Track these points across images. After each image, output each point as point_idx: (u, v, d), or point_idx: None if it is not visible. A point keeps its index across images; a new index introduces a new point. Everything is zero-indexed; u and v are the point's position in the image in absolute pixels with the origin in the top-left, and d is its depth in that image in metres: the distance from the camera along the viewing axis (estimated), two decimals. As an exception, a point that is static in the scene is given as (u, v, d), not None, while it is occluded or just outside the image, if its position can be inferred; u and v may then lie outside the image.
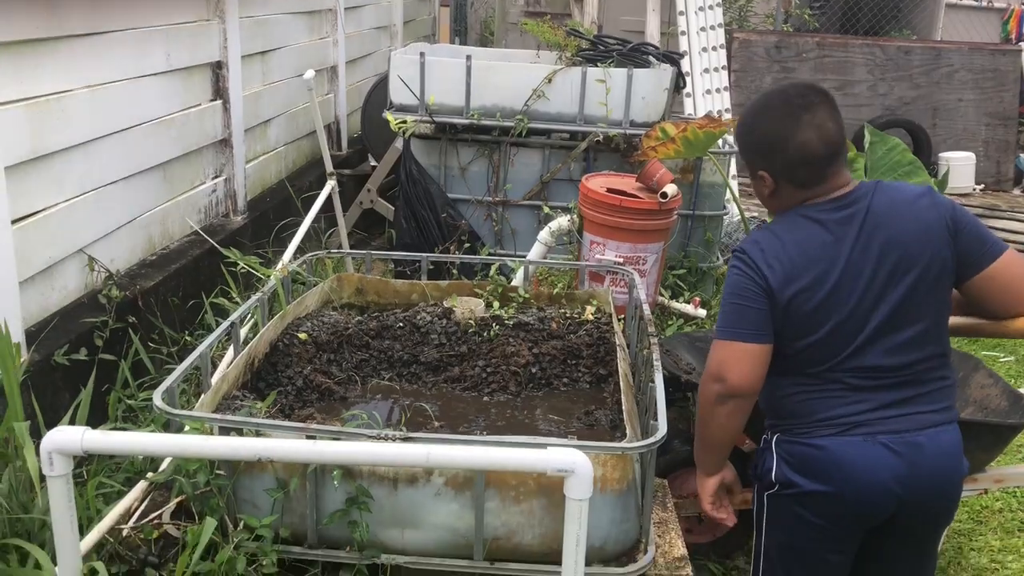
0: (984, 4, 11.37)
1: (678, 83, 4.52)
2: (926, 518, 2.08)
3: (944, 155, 8.75)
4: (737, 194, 6.30)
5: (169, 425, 2.19)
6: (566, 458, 1.53)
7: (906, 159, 3.67)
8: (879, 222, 1.99)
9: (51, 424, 2.79)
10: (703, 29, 7.00)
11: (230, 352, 2.76)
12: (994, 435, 2.60)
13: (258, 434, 2.01)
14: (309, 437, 1.95)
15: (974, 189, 8.76)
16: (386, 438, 1.93)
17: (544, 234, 3.70)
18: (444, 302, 3.21)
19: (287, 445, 1.51)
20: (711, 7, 7.06)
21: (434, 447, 1.49)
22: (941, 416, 2.03)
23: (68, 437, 1.50)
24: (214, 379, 2.48)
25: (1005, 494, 3.61)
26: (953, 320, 2.11)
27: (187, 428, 2.06)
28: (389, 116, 4.30)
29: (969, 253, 2.02)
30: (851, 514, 2.04)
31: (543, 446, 1.58)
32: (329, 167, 4.01)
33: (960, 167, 8.62)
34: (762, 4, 10.83)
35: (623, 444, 2.03)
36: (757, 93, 9.31)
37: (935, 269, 1.99)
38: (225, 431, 2.04)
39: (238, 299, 3.63)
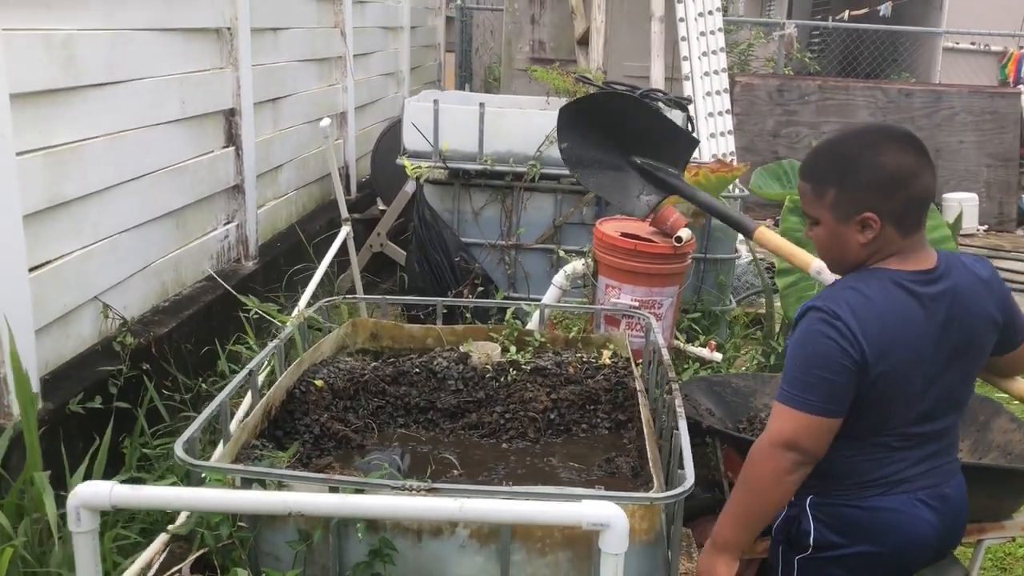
0: (981, 48, 11.50)
1: (688, 127, 4.55)
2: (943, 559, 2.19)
3: (948, 196, 8.81)
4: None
5: (189, 475, 2.17)
6: (601, 512, 1.50)
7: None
8: (964, 305, 1.94)
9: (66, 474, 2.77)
10: (707, 74, 7.08)
11: (247, 400, 2.74)
12: (1022, 482, 2.57)
13: (281, 485, 1.98)
14: (332, 489, 1.92)
15: (978, 230, 8.80)
16: (411, 489, 1.91)
17: (559, 278, 3.70)
18: (460, 347, 3.19)
19: (317, 500, 1.49)
20: (714, 52, 7.14)
21: (466, 500, 1.47)
22: (956, 465, 2.09)
23: (96, 491, 1.48)
24: (233, 427, 2.46)
25: (1028, 539, 3.55)
26: None
27: (209, 479, 2.04)
28: (405, 162, 4.33)
29: (1005, 340, 2.08)
30: (891, 571, 2.03)
31: (578, 498, 1.55)
32: (344, 212, 4.03)
33: (963, 208, 8.66)
34: (763, 48, 10.97)
35: (651, 495, 2.00)
36: (760, 136, 9.33)
37: (984, 356, 2.04)
38: (247, 482, 2.01)
39: (253, 345, 3.62)
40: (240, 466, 2.09)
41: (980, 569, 3.20)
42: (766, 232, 2.25)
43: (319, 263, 4.10)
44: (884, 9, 10.12)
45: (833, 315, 1.84)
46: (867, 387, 1.87)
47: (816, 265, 2.39)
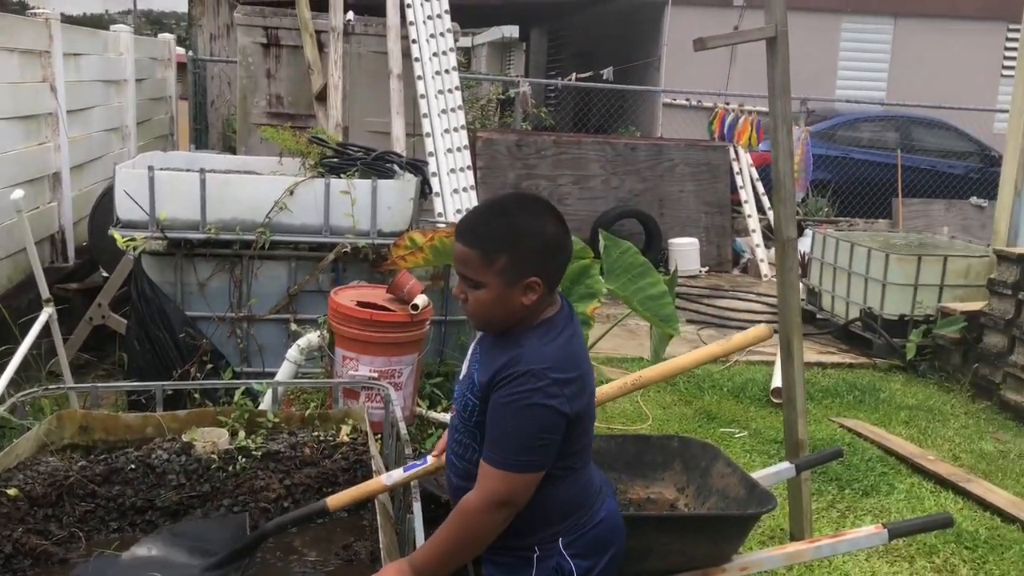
0: (695, 103, 12.66)
1: (424, 189, 4.57)
2: None
3: (672, 241, 9.52)
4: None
5: None
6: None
7: (638, 261, 3.91)
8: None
9: None
10: (447, 131, 7.19)
11: (-83, 524, 2.35)
12: (737, 527, 2.73)
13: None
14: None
15: (699, 271, 9.57)
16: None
17: (293, 352, 3.54)
18: (183, 435, 2.95)
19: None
20: (453, 110, 7.28)
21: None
22: None
23: None
24: None
25: (751, 570, 3.81)
26: None
27: None
28: (116, 234, 3.98)
29: None
30: (618, 565, 2.23)
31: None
32: (45, 293, 3.62)
33: (686, 252, 9.42)
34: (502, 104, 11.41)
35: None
36: (503, 189, 9.67)
37: None
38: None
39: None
40: None
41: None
42: (338, 497, 2.48)
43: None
44: (606, 74, 10.89)
45: (542, 377, 1.94)
46: (575, 424, 2.02)
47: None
